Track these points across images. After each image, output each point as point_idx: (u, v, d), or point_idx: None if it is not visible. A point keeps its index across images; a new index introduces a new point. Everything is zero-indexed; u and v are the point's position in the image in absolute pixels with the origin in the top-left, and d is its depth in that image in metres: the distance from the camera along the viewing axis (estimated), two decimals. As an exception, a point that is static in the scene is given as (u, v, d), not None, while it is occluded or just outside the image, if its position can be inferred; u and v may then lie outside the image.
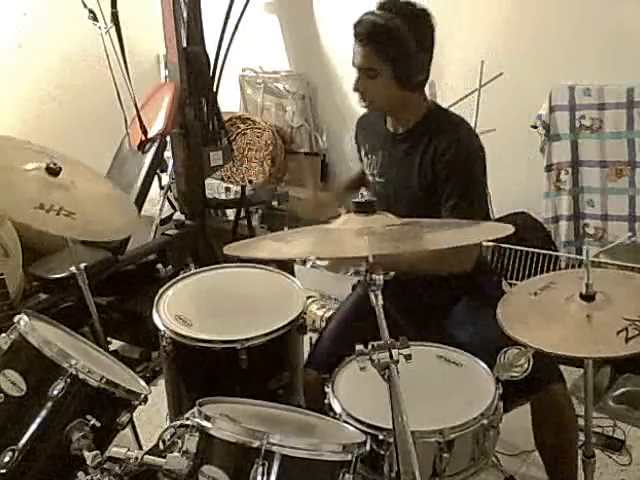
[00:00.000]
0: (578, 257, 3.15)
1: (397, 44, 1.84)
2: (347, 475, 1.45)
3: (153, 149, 3.25)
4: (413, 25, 1.85)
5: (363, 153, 2.16)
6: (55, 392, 1.59)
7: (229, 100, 4.14)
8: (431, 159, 1.92)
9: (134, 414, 1.80)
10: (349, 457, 1.46)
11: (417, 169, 1.96)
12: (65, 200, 1.81)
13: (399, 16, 1.84)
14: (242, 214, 3.73)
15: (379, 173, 2.08)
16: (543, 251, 3.14)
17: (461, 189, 1.88)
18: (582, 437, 1.76)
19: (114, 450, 1.56)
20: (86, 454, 1.55)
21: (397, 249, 1.42)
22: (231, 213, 3.94)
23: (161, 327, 1.99)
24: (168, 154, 3.54)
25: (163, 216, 3.60)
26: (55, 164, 1.87)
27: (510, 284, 2.92)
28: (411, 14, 1.86)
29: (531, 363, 1.61)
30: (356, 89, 1.93)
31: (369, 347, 1.33)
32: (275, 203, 3.73)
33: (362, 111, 2.17)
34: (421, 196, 1.96)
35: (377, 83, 1.89)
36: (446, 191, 1.89)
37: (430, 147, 1.93)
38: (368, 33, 1.85)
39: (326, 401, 1.72)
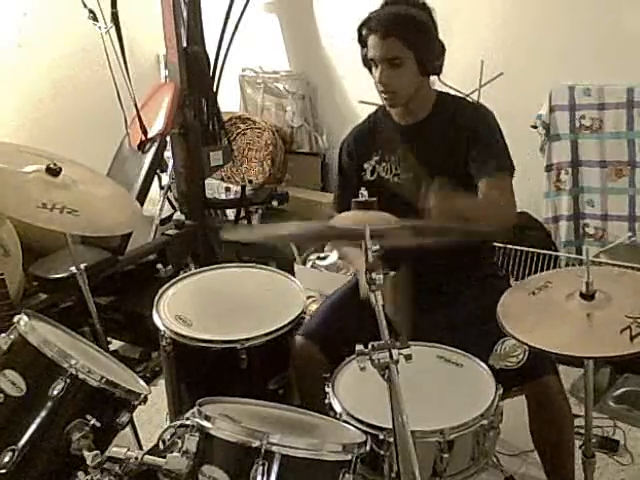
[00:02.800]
0: (578, 257, 3.15)
1: (418, 30, 1.92)
2: (347, 475, 1.45)
3: (153, 149, 3.25)
4: (426, 12, 1.95)
5: (375, 162, 2.09)
6: (55, 392, 1.60)
7: (229, 100, 4.14)
8: (466, 138, 1.97)
9: (134, 414, 1.80)
10: (349, 457, 1.46)
11: (452, 150, 1.99)
12: (67, 199, 1.82)
13: (410, 5, 1.94)
14: (242, 214, 3.73)
15: (403, 170, 2.05)
16: (543, 251, 3.14)
17: (495, 143, 2.00)
18: (582, 437, 1.75)
19: (114, 450, 1.56)
20: (86, 454, 1.55)
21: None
22: (231, 213, 3.94)
23: (161, 327, 1.99)
24: (168, 154, 3.54)
25: (163, 216, 3.60)
26: (55, 164, 1.87)
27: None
28: (419, 3, 1.96)
29: (526, 354, 1.62)
30: (380, 81, 1.94)
31: (369, 347, 1.33)
32: (275, 203, 3.73)
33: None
34: (458, 174, 1.97)
35: (401, 72, 1.93)
36: (487, 157, 1.97)
37: (459, 126, 1.99)
38: (389, 24, 1.91)
39: (326, 401, 1.72)
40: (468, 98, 3.02)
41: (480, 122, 2.02)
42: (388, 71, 1.92)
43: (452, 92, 2.27)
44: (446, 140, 2.01)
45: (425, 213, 1.77)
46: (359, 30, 1.98)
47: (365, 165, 2.10)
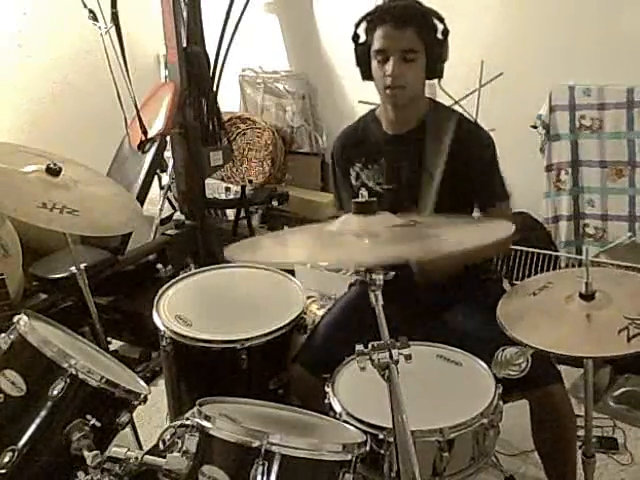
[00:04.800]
0: (578, 257, 3.16)
1: (432, 28, 1.89)
2: (347, 475, 1.45)
3: (153, 149, 3.25)
4: (436, 12, 1.90)
5: (358, 168, 2.06)
6: (55, 392, 1.59)
7: (229, 100, 4.15)
8: (464, 162, 1.92)
9: (134, 414, 1.80)
10: (349, 457, 1.46)
11: (440, 167, 1.93)
12: (67, 198, 1.82)
13: (419, 3, 1.92)
14: (242, 214, 3.73)
15: (386, 180, 2.02)
16: (543, 251, 3.14)
17: (496, 174, 2.00)
18: (582, 437, 1.75)
19: (114, 450, 1.56)
20: (86, 454, 1.55)
21: (399, 252, 1.40)
22: (231, 213, 3.94)
23: (161, 327, 1.99)
24: (168, 154, 3.54)
25: (163, 216, 3.60)
26: (55, 164, 1.87)
27: (511, 284, 2.92)
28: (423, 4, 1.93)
29: (529, 363, 1.61)
30: (392, 73, 1.86)
31: (369, 347, 1.33)
32: (275, 203, 3.73)
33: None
34: (444, 191, 1.94)
35: (414, 67, 1.88)
36: (483, 180, 1.97)
37: (454, 145, 1.92)
38: (407, 15, 1.86)
39: (326, 401, 1.72)
40: (466, 100, 3.03)
41: (482, 146, 1.98)
42: (400, 63, 1.86)
43: (446, 100, 2.25)
44: (435, 156, 1.94)
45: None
46: (360, 23, 1.93)
47: (350, 170, 2.07)
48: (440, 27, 1.89)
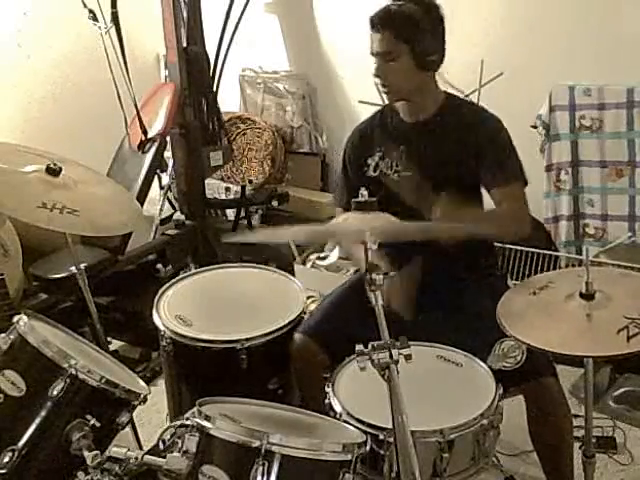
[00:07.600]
0: (578, 257, 3.15)
1: (411, 25, 1.93)
2: (347, 475, 1.45)
3: (153, 149, 3.25)
4: (425, 7, 1.96)
5: (378, 157, 2.10)
6: (55, 392, 1.60)
7: (229, 100, 4.14)
8: (476, 145, 1.99)
9: (134, 414, 1.80)
10: (349, 457, 1.46)
11: (456, 153, 2.00)
12: (67, 198, 1.82)
13: (412, 2, 1.96)
14: (242, 214, 3.73)
15: (404, 167, 2.06)
16: (543, 251, 3.14)
17: (512, 155, 2.03)
18: (582, 437, 1.75)
19: (114, 450, 1.56)
20: (86, 454, 1.55)
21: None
22: (231, 213, 3.94)
23: (161, 327, 1.99)
24: (168, 154, 3.54)
25: (163, 216, 3.60)
26: (55, 164, 1.87)
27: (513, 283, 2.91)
28: (421, 1, 1.97)
29: (524, 355, 1.62)
30: (376, 75, 1.97)
31: (369, 347, 1.33)
32: (275, 203, 3.73)
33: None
34: (461, 175, 2.00)
35: (396, 66, 1.95)
36: (498, 159, 2.00)
37: (468, 131, 2.00)
38: (383, 19, 1.94)
39: (326, 401, 1.72)
40: (468, 99, 3.03)
41: (494, 131, 2.03)
42: (382, 65, 1.96)
43: (455, 92, 2.26)
44: (451, 142, 2.01)
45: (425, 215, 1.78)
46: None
47: (369, 160, 2.10)
48: (427, 19, 1.94)
